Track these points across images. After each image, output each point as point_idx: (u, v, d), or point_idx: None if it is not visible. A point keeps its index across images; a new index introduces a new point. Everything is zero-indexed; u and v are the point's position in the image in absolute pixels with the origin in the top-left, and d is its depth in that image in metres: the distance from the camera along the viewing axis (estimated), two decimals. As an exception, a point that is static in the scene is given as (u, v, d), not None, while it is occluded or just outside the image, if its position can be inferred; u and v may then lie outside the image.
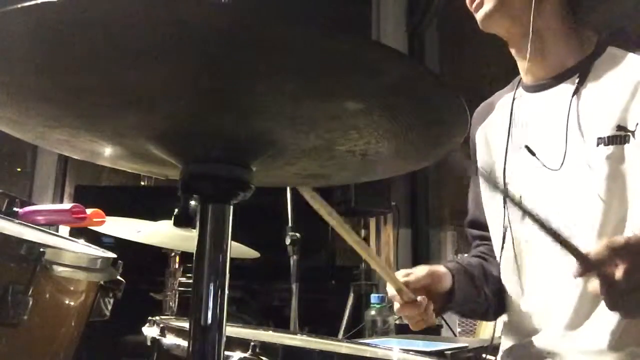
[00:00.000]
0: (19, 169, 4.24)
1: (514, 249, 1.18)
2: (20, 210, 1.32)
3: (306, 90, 0.51)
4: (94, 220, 1.36)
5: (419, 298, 1.11)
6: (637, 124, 1.01)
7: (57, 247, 1.04)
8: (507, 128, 1.22)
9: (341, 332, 2.78)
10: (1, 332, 0.92)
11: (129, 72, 0.48)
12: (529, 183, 1.16)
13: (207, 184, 0.60)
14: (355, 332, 2.70)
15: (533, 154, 1.13)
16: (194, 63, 0.47)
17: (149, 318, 1.15)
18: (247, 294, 3.06)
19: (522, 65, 1.20)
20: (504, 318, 1.27)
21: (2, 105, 0.57)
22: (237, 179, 0.61)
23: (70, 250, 1.11)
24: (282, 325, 2.09)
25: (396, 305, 1.15)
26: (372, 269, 3.52)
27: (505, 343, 1.24)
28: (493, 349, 1.28)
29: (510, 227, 1.18)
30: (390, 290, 1.13)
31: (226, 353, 0.69)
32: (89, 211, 1.33)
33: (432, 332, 2.36)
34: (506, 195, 1.16)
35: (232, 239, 0.62)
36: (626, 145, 1.02)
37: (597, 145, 1.04)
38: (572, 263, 0.85)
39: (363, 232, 3.53)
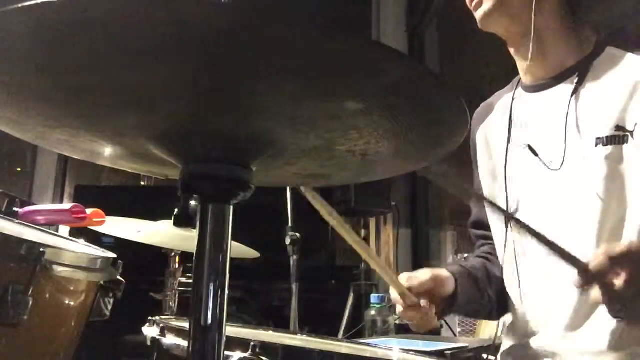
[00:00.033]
0: (19, 169, 4.24)
1: (514, 251, 1.19)
2: (20, 210, 1.32)
3: (306, 90, 0.51)
4: (94, 220, 1.36)
5: (421, 302, 1.11)
6: (636, 124, 1.01)
7: (57, 247, 1.04)
8: (506, 128, 1.23)
9: (341, 332, 2.78)
10: (1, 332, 0.92)
11: (129, 72, 0.48)
12: (529, 183, 1.16)
13: (207, 184, 0.60)
14: (355, 332, 2.70)
15: (536, 154, 1.13)
16: (194, 63, 0.47)
17: (149, 318, 1.15)
18: (247, 294, 3.06)
19: (521, 65, 1.20)
20: (504, 318, 1.27)
21: (2, 105, 0.57)
22: (237, 179, 0.61)
23: (70, 250, 1.11)
24: (282, 325, 2.09)
25: (399, 308, 1.15)
26: (372, 269, 3.53)
27: (506, 343, 1.24)
28: (494, 349, 1.28)
29: (512, 230, 1.19)
30: (393, 293, 1.13)
31: (226, 353, 0.69)
32: (89, 211, 1.33)
33: (432, 332, 2.36)
34: (509, 218, 1.15)
35: (232, 239, 0.62)
36: (625, 146, 1.02)
37: (596, 145, 1.04)
38: (572, 270, 0.85)
39: (363, 232, 3.53)
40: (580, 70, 1.11)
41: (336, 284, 3.26)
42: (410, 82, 0.50)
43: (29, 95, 0.55)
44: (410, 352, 1.23)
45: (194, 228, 0.61)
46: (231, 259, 0.61)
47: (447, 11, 3.57)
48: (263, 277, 3.03)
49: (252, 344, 0.87)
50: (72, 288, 1.08)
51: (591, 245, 1.02)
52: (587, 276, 0.83)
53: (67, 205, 1.36)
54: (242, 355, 0.87)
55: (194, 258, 0.60)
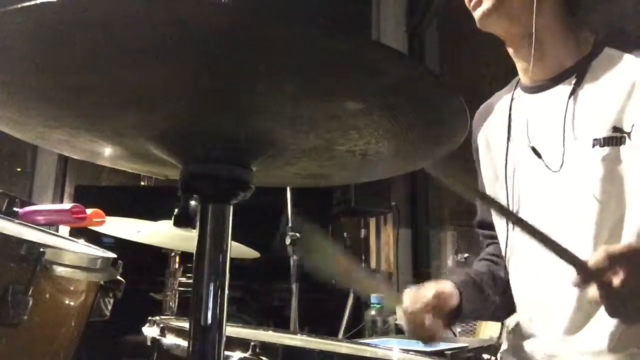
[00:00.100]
0: (19, 169, 4.24)
1: (516, 252, 1.19)
2: (20, 210, 1.32)
3: (306, 90, 0.51)
4: (94, 220, 1.36)
5: (426, 320, 1.13)
6: (633, 125, 1.01)
7: (57, 247, 1.04)
8: (506, 129, 1.23)
9: (341, 332, 2.78)
10: (1, 332, 0.92)
11: (129, 71, 0.48)
12: (530, 184, 1.16)
13: (207, 184, 0.60)
14: (355, 332, 2.69)
15: (539, 156, 1.13)
16: (194, 63, 0.47)
17: (149, 318, 1.15)
18: (247, 294, 3.06)
19: (520, 65, 1.20)
20: (505, 319, 1.28)
21: (2, 105, 0.57)
22: (237, 179, 0.61)
23: (70, 250, 1.11)
24: (282, 325, 2.09)
25: (405, 327, 1.17)
26: (372, 269, 3.53)
27: (506, 344, 1.24)
28: (494, 349, 1.29)
29: (513, 231, 1.19)
30: (399, 313, 1.16)
31: (226, 353, 0.69)
32: (89, 211, 1.33)
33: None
34: (509, 218, 1.16)
35: (232, 239, 0.62)
36: (622, 147, 1.02)
37: (593, 146, 1.04)
38: (571, 270, 0.85)
39: (363, 232, 3.53)
40: (578, 72, 1.10)
41: (336, 283, 3.26)
42: (410, 82, 0.50)
43: (29, 95, 0.55)
44: (410, 352, 1.23)
45: (194, 228, 0.61)
46: (231, 259, 0.61)
47: (447, 11, 3.57)
48: (263, 277, 3.03)
49: (252, 344, 0.87)
50: (72, 288, 1.08)
51: (589, 246, 1.01)
52: (585, 274, 0.84)
53: (67, 205, 1.36)
54: (242, 355, 0.87)
55: (194, 258, 0.60)
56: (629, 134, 1.01)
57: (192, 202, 0.63)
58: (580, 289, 0.87)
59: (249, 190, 0.61)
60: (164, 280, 1.89)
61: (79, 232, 2.13)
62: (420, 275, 3.45)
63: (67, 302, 1.08)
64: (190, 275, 0.60)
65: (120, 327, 1.72)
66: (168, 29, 0.42)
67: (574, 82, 1.10)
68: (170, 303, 1.87)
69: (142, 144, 0.62)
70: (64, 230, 2.34)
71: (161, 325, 1.06)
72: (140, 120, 0.58)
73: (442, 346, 1.57)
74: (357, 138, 0.59)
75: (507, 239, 1.20)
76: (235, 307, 2.91)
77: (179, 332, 1.03)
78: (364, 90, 0.51)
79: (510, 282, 1.22)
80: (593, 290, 0.84)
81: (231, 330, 1.11)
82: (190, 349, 0.59)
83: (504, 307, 1.25)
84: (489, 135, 1.29)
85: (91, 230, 1.48)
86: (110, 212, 1.47)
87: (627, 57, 1.06)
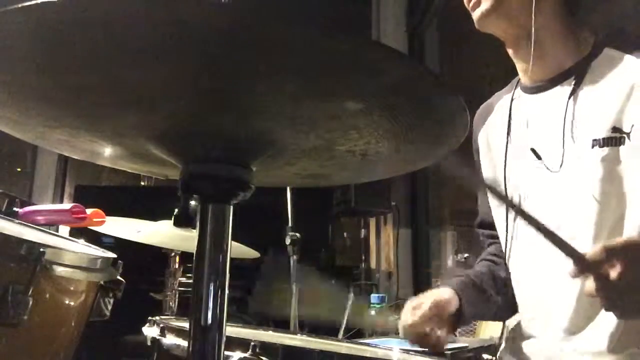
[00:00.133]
0: (19, 169, 4.24)
1: (516, 251, 1.19)
2: (20, 210, 1.32)
3: (306, 90, 0.51)
4: (94, 220, 1.36)
5: (427, 331, 1.14)
6: (632, 125, 1.01)
7: (57, 247, 1.04)
8: (506, 129, 1.23)
9: (341, 332, 2.78)
10: (1, 332, 0.92)
11: (129, 71, 0.48)
12: (530, 184, 1.16)
13: (207, 184, 0.60)
14: (355, 332, 2.69)
15: (539, 157, 1.13)
16: (194, 63, 0.47)
17: (149, 318, 1.15)
18: (247, 294, 3.06)
19: (519, 66, 1.20)
20: (508, 319, 1.28)
21: (2, 105, 0.57)
22: (237, 179, 0.61)
23: (70, 250, 1.11)
24: (282, 325, 2.09)
25: (408, 341, 1.18)
26: (372, 269, 3.53)
27: (506, 344, 1.24)
28: (494, 349, 1.29)
29: (513, 232, 1.19)
30: (400, 328, 1.16)
31: (226, 353, 0.69)
32: (89, 211, 1.33)
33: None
34: (509, 205, 1.16)
35: (232, 239, 0.62)
36: (621, 147, 1.02)
37: (592, 147, 1.04)
38: (570, 264, 0.85)
39: (363, 232, 3.53)
40: (578, 72, 1.10)
41: (336, 284, 3.26)
42: (410, 82, 0.50)
43: (29, 95, 0.55)
44: (410, 352, 1.23)
45: (194, 228, 0.61)
46: (231, 259, 0.61)
47: (447, 11, 3.57)
48: (263, 277, 3.03)
49: (252, 344, 0.87)
50: (72, 288, 1.08)
51: (588, 247, 1.01)
52: (582, 265, 0.84)
53: (67, 205, 1.36)
54: (242, 355, 0.87)
55: (194, 258, 0.60)
56: (628, 134, 1.01)
57: (192, 202, 0.63)
58: (574, 277, 0.86)
59: (249, 190, 0.61)
60: (164, 280, 1.89)
61: (79, 232, 2.13)
62: (421, 275, 3.45)
63: (67, 302, 1.08)
64: (190, 275, 0.61)
65: (120, 327, 1.73)
66: (168, 29, 0.42)
67: (573, 82, 1.10)
68: (170, 303, 1.87)
69: (142, 144, 0.62)
70: (64, 230, 2.34)
71: (161, 325, 1.06)
72: (140, 120, 0.58)
73: (442, 346, 1.57)
74: (357, 138, 0.59)
75: (507, 238, 1.20)
76: (235, 307, 2.91)
77: (179, 332, 1.03)
78: (364, 90, 0.51)
79: (512, 281, 1.22)
80: (590, 283, 0.85)
81: (231, 330, 1.11)
82: (190, 349, 0.59)
83: (506, 306, 1.25)
84: (490, 136, 1.29)
85: (91, 230, 1.48)
86: (110, 212, 1.47)
87: (628, 58, 1.06)
